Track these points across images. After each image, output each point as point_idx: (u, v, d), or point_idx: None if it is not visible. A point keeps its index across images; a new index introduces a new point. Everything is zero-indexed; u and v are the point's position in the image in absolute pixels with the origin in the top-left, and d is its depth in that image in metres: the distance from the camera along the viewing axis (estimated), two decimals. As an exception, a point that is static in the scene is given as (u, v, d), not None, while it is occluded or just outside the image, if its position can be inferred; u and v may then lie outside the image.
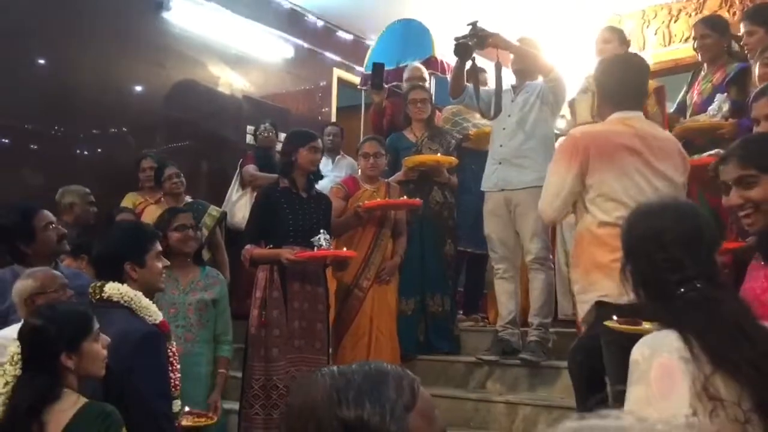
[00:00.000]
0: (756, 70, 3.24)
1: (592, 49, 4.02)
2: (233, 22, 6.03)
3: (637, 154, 2.58)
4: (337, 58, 7.09)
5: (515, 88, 4.13)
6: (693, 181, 2.78)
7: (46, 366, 1.91)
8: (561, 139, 2.96)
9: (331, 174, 5.06)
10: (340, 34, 7.11)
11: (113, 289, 2.24)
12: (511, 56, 4.12)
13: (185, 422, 2.87)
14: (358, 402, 0.93)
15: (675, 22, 6.41)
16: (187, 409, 2.97)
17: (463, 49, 3.79)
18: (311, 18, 6.82)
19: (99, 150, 5.19)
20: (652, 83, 3.55)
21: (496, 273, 4.15)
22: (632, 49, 3.60)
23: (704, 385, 1.34)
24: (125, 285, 2.26)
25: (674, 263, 1.52)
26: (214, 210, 4.75)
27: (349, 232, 4.04)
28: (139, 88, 5.53)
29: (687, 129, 3.52)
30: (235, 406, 3.64)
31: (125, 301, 2.22)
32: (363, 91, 6.57)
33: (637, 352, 1.44)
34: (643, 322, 2.14)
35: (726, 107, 3.42)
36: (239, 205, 5.20)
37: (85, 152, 5.13)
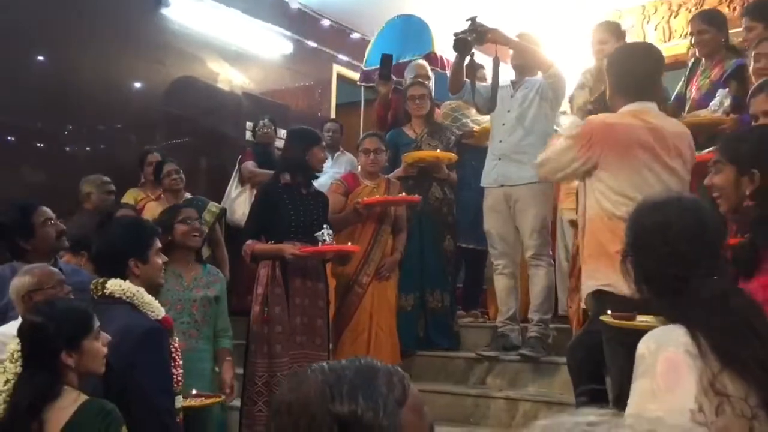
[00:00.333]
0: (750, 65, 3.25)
1: (590, 47, 4.00)
2: (232, 19, 6.02)
3: (648, 150, 2.57)
4: (337, 55, 7.08)
5: (514, 84, 4.13)
6: (694, 177, 2.77)
7: (46, 364, 1.91)
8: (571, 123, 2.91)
9: (331, 170, 5.06)
10: (340, 30, 7.10)
11: (115, 285, 2.24)
12: (511, 52, 4.11)
13: (194, 403, 2.90)
14: (352, 397, 0.93)
15: (675, 17, 6.39)
16: (194, 391, 3.01)
17: (462, 44, 3.79)
18: (311, 14, 6.81)
19: (99, 147, 5.19)
20: None
21: (495, 269, 4.15)
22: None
23: (711, 381, 1.34)
24: (127, 281, 2.26)
25: (679, 258, 1.51)
26: (213, 206, 4.75)
27: (348, 228, 4.04)
28: (138, 85, 5.52)
29: (688, 124, 3.49)
30: (236, 402, 3.63)
31: (127, 297, 2.23)
32: (362, 88, 6.57)
33: (644, 346, 1.43)
34: (638, 317, 2.17)
35: (727, 102, 3.41)
36: (238, 202, 5.20)
37: (86, 149, 5.12)
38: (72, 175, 4.56)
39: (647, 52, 2.83)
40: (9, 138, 4.74)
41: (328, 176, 4.54)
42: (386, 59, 4.96)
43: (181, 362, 2.39)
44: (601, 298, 2.53)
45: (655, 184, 2.54)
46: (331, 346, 3.84)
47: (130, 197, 4.75)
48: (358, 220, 4.02)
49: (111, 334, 2.03)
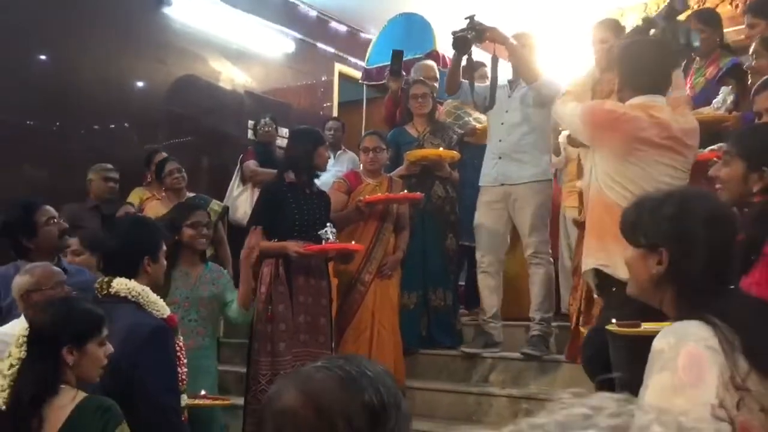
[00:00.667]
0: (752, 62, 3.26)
1: (590, 46, 3.99)
2: (234, 17, 6.03)
3: (650, 145, 2.59)
4: (339, 53, 7.08)
5: (512, 83, 4.14)
6: (695, 175, 2.77)
7: (48, 355, 1.92)
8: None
9: (333, 169, 5.05)
10: (342, 28, 7.10)
11: (121, 284, 2.24)
12: None
13: (200, 402, 2.93)
14: (375, 387, 0.97)
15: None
16: (203, 392, 3.04)
17: (461, 42, 3.80)
18: (312, 12, 6.81)
19: (101, 146, 5.18)
20: None
21: (479, 267, 4.18)
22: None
23: (731, 376, 1.33)
24: (132, 280, 2.26)
25: (724, 254, 1.49)
26: (216, 205, 4.75)
27: (350, 226, 4.05)
28: (140, 84, 5.53)
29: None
30: (240, 401, 3.64)
31: (133, 296, 2.22)
32: (365, 86, 6.56)
33: (662, 341, 1.40)
34: (643, 324, 2.18)
35: (730, 100, 3.42)
36: (240, 201, 5.20)
37: (87, 148, 5.12)
38: (74, 174, 4.57)
39: (659, 46, 2.84)
40: (11, 136, 4.73)
41: (330, 175, 4.54)
42: (397, 55, 4.95)
43: (185, 361, 2.40)
44: (604, 282, 2.57)
45: (654, 177, 2.56)
46: (333, 344, 3.85)
47: (135, 196, 4.75)
48: (360, 218, 4.03)
49: (116, 333, 2.03)
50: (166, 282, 2.87)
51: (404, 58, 5.40)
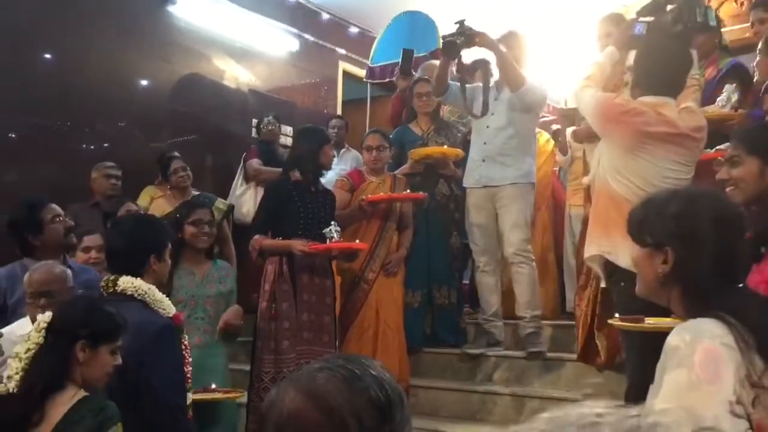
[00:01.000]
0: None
1: (595, 41, 3.99)
2: (238, 16, 6.03)
3: (657, 141, 2.63)
4: (343, 51, 7.08)
5: (498, 86, 4.15)
6: (701, 174, 2.78)
7: (62, 346, 1.94)
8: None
9: (336, 167, 5.05)
10: (346, 26, 7.10)
11: (127, 282, 2.24)
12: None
13: (206, 396, 2.96)
14: (379, 384, 0.98)
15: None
16: (213, 386, 3.06)
17: (450, 47, 3.83)
18: (317, 11, 6.81)
19: (105, 144, 5.20)
20: None
21: (477, 267, 4.22)
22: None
23: (748, 373, 1.33)
24: (138, 279, 2.26)
25: (730, 251, 1.48)
26: (221, 203, 4.76)
27: (353, 224, 4.05)
28: (144, 83, 5.53)
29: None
30: (243, 399, 3.65)
31: (139, 295, 2.23)
32: (368, 84, 6.56)
33: (677, 338, 1.39)
34: (647, 319, 2.19)
35: (735, 98, 3.41)
36: (243, 199, 5.20)
37: (92, 146, 5.14)
38: (78, 173, 4.58)
39: (676, 49, 2.85)
40: (16, 135, 4.75)
41: (333, 173, 4.53)
42: (408, 54, 4.95)
43: (190, 359, 2.40)
44: (613, 275, 2.63)
45: (659, 171, 2.61)
46: (337, 343, 3.85)
47: (146, 195, 4.76)
48: (363, 217, 4.04)
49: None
50: (168, 280, 2.88)
51: (408, 57, 5.40)
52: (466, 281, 4.92)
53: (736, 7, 5.45)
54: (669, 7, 3.02)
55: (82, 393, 1.94)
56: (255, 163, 5.27)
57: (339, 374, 0.97)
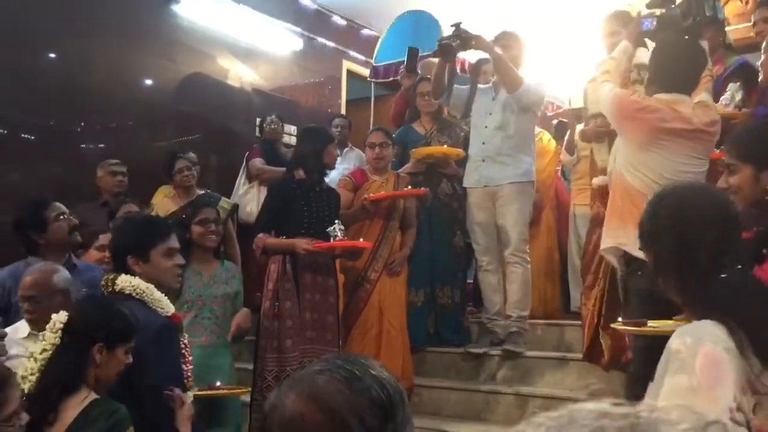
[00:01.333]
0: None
1: (600, 39, 3.98)
2: (242, 15, 6.03)
3: (676, 137, 2.67)
4: (347, 50, 7.08)
5: (496, 86, 4.15)
6: (709, 175, 2.79)
7: (79, 348, 1.94)
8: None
9: (340, 166, 5.05)
10: (350, 26, 7.10)
11: (125, 281, 2.25)
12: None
13: (209, 392, 2.96)
14: (380, 383, 0.98)
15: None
16: (218, 383, 3.07)
17: (446, 49, 3.84)
18: (320, 10, 6.81)
19: (110, 144, 5.21)
20: None
21: (480, 266, 4.25)
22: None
23: (750, 379, 1.32)
24: (137, 278, 2.27)
25: (695, 244, 1.48)
26: (225, 202, 4.76)
27: (357, 224, 4.05)
28: (149, 82, 5.54)
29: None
30: (246, 398, 3.65)
31: (137, 294, 2.23)
32: (372, 84, 6.56)
33: (678, 341, 1.38)
34: (649, 322, 2.21)
35: (739, 96, 3.40)
36: (246, 199, 5.20)
37: (97, 146, 5.15)
38: (84, 172, 4.60)
39: (689, 46, 2.88)
40: (21, 135, 4.77)
41: (336, 172, 4.53)
42: (413, 52, 4.95)
43: (190, 358, 2.40)
44: (630, 262, 2.70)
45: (674, 166, 2.66)
46: (341, 342, 3.85)
47: (161, 194, 4.76)
48: (366, 216, 4.04)
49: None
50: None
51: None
52: (470, 280, 4.92)
53: (741, 6, 5.42)
54: (678, 1, 3.03)
55: (93, 395, 1.95)
56: (258, 162, 5.27)
57: (339, 375, 0.97)
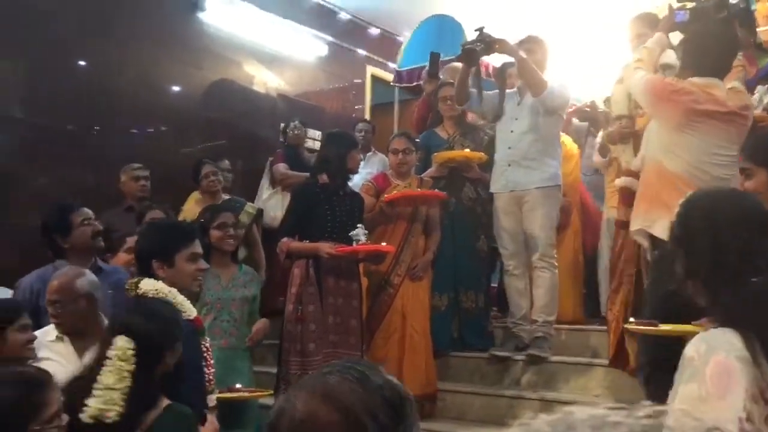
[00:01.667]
0: None
1: (627, 41, 3.94)
2: (267, 22, 6.09)
3: (710, 119, 2.70)
4: (371, 56, 7.11)
5: (521, 91, 4.12)
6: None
7: (154, 365, 1.94)
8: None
9: (363, 170, 5.06)
10: (374, 31, 7.13)
11: (149, 285, 2.27)
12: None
13: (231, 395, 3.00)
14: (389, 383, 0.98)
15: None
16: (238, 385, 3.11)
17: (469, 54, 3.82)
18: (345, 16, 6.85)
19: (138, 149, 5.27)
20: None
21: (506, 270, 4.21)
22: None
23: (761, 387, 1.29)
24: (160, 282, 2.30)
25: (725, 247, 1.47)
26: (250, 207, 4.80)
27: (379, 228, 4.05)
28: (176, 88, 5.63)
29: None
30: (269, 401, 3.66)
31: (160, 297, 2.26)
32: (396, 88, 6.57)
33: (692, 348, 1.37)
34: (661, 325, 2.20)
35: (767, 99, 3.34)
36: (270, 204, 5.24)
37: (124, 151, 5.21)
38: (111, 177, 4.67)
39: (723, 32, 2.91)
40: (51, 139, 4.86)
41: (360, 176, 4.55)
42: (434, 57, 4.96)
43: (212, 361, 2.42)
44: (654, 245, 2.76)
45: (707, 148, 2.70)
46: (364, 346, 3.85)
47: (192, 200, 4.82)
48: (385, 220, 4.04)
49: None
50: None
51: (438, 60, 5.40)
52: (494, 284, 4.89)
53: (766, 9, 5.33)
54: None
55: (166, 400, 1.97)
56: (282, 167, 5.31)
57: (351, 376, 0.97)
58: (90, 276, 2.73)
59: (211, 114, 5.74)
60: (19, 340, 2.52)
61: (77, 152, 4.92)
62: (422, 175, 4.35)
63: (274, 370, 3.71)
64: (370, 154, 5.58)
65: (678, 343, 1.66)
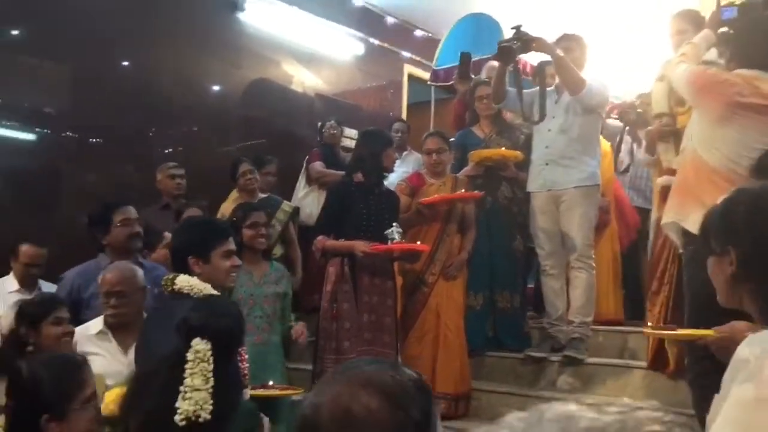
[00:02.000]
0: None
1: (668, 38, 3.88)
2: (305, 21, 6.14)
3: (753, 113, 2.64)
4: (408, 55, 7.11)
5: (558, 89, 4.08)
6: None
7: (230, 358, 1.92)
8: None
9: (399, 169, 5.07)
10: (411, 30, 7.13)
11: (183, 281, 2.31)
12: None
13: (266, 392, 3.02)
14: (417, 372, 0.99)
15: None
16: (271, 383, 3.13)
17: (506, 52, 3.79)
18: (382, 15, 6.86)
19: (178, 147, 5.38)
20: None
21: (543, 270, 4.16)
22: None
23: None
24: (195, 278, 2.33)
25: None
26: (287, 205, 4.85)
27: (414, 227, 4.05)
28: (215, 88, 5.71)
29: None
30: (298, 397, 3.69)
31: (195, 293, 2.29)
32: (433, 87, 6.56)
33: (747, 350, 1.31)
34: (678, 329, 2.16)
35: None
36: (306, 202, 5.28)
37: (165, 150, 5.32)
38: (151, 175, 4.76)
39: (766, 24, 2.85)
40: (95, 139, 4.98)
41: (396, 175, 4.56)
42: (465, 58, 4.94)
43: (246, 356, 2.45)
44: (686, 240, 2.72)
45: (749, 143, 2.63)
46: (399, 345, 3.86)
47: (231, 199, 4.89)
48: (422, 220, 4.04)
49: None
50: None
51: (474, 59, 5.38)
52: (530, 285, 4.85)
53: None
54: None
55: None
56: (318, 165, 5.35)
57: (382, 365, 0.98)
58: (141, 271, 2.82)
59: (250, 113, 5.81)
60: (54, 332, 2.60)
61: (120, 150, 5.03)
62: (458, 174, 4.34)
63: (311, 367, 3.74)
64: (405, 153, 5.58)
65: None
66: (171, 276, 2.35)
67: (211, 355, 1.85)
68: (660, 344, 3.52)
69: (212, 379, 1.82)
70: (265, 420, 2.14)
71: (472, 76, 5.02)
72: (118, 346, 2.75)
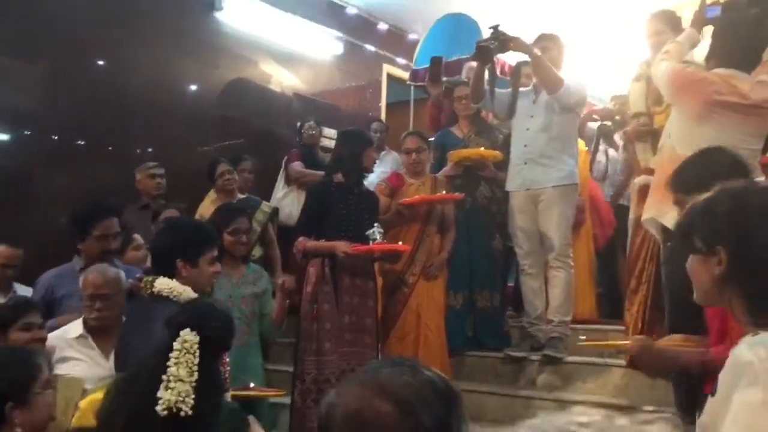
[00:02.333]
0: None
1: (645, 38, 3.91)
2: (283, 21, 6.11)
3: (730, 111, 2.69)
4: (387, 54, 7.10)
5: (537, 88, 4.10)
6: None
7: (216, 358, 1.95)
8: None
9: (377, 169, 5.05)
10: (390, 29, 7.12)
11: (163, 284, 2.27)
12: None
13: (247, 393, 3.02)
14: (438, 376, 1.00)
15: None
16: (252, 384, 3.12)
17: (484, 52, 3.81)
18: (361, 14, 6.85)
19: (155, 148, 5.32)
20: None
21: (522, 270, 4.19)
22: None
23: None
24: (174, 280, 2.29)
25: None
26: (266, 206, 4.82)
27: (394, 228, 4.04)
28: (192, 87, 5.65)
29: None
30: (286, 400, 3.67)
31: (174, 296, 2.26)
32: (412, 87, 6.56)
33: (750, 353, 1.27)
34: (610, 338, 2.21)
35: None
36: (285, 202, 5.26)
37: (141, 150, 5.26)
38: (128, 175, 4.71)
39: (755, 26, 2.87)
40: (70, 140, 4.91)
41: (374, 175, 4.54)
42: (435, 61, 4.96)
43: (227, 359, 2.43)
44: (665, 236, 2.76)
45: (727, 140, 2.59)
46: (379, 345, 3.85)
47: (208, 200, 4.84)
48: (401, 221, 4.04)
49: (160, 332, 2.06)
50: None
51: (453, 59, 5.40)
52: (510, 284, 4.87)
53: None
54: None
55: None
56: (297, 166, 5.33)
57: (402, 368, 0.97)
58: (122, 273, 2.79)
59: (228, 113, 5.76)
60: (21, 338, 2.56)
61: (95, 151, 4.97)
62: (437, 174, 4.34)
63: (291, 369, 3.72)
64: (384, 152, 5.57)
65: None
66: (150, 278, 2.31)
67: (198, 348, 1.84)
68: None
69: (196, 372, 1.80)
70: (251, 418, 2.11)
71: (444, 78, 5.05)
72: (99, 350, 2.70)
